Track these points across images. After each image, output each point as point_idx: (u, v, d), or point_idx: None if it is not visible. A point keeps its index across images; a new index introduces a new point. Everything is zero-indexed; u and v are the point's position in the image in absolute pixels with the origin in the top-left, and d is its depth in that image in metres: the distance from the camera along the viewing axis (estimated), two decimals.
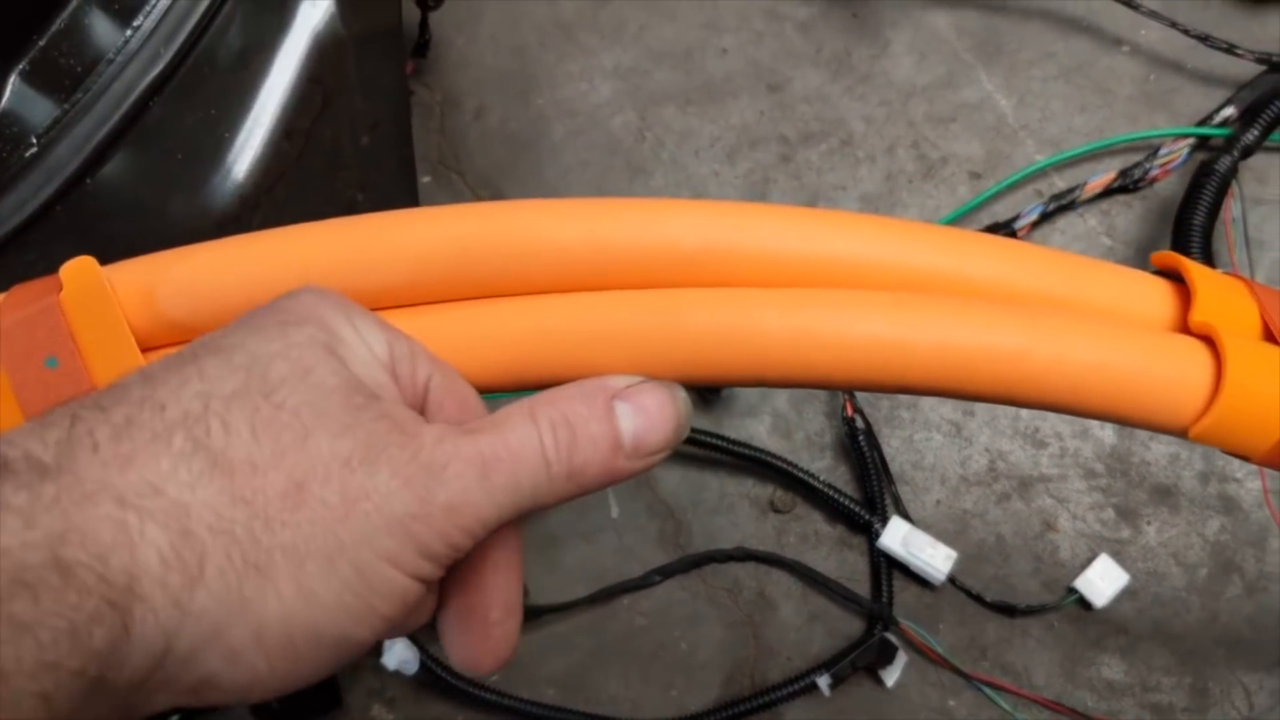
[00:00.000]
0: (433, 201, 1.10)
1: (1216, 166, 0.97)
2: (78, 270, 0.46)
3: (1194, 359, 0.41)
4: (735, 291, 0.42)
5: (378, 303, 0.45)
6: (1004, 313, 0.41)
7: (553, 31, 1.13)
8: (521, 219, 0.43)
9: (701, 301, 0.41)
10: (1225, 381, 0.40)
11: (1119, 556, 0.99)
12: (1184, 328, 0.44)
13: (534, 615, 1.02)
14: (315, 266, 0.44)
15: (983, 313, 0.41)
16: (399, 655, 0.97)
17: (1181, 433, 0.42)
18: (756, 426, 1.04)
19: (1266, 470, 0.96)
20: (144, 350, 0.47)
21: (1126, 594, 0.98)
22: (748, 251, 0.43)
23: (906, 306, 0.41)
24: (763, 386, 0.42)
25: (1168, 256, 0.46)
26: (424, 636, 0.99)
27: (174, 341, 0.47)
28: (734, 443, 1.02)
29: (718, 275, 0.43)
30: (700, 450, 1.03)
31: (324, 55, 0.74)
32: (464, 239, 0.43)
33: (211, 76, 0.73)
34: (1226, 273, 0.45)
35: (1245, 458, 0.43)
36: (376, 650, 0.98)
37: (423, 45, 1.09)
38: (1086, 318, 0.42)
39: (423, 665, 0.98)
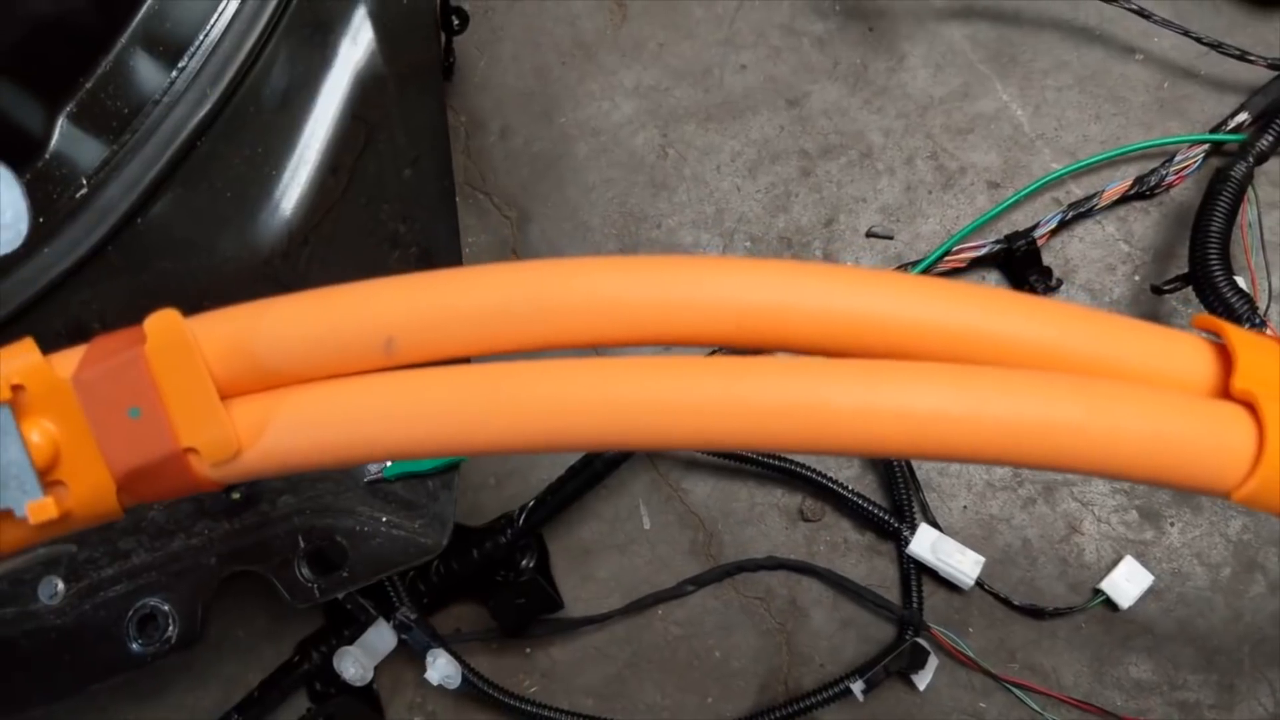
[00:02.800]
0: (462, 221, 1.11)
1: (1232, 173, 0.99)
2: (161, 323, 0.48)
3: (1237, 427, 0.43)
4: (803, 362, 0.44)
5: (448, 352, 0.47)
6: (1058, 386, 0.43)
7: (573, 51, 1.14)
8: (589, 277, 0.45)
9: (770, 372, 0.43)
10: (1267, 449, 0.42)
11: (1143, 558, 1.01)
12: (1225, 392, 0.46)
13: (570, 627, 1.04)
14: (396, 316, 0.46)
15: (1039, 386, 0.43)
16: (442, 670, 0.99)
17: (1226, 496, 0.44)
18: None
19: None
20: (223, 399, 0.49)
21: (1151, 594, 1.00)
22: (805, 311, 0.44)
23: (970, 381, 0.43)
24: (833, 454, 0.44)
25: (1209, 321, 0.48)
26: (460, 649, 1.01)
27: (254, 389, 0.49)
28: (761, 452, 1.04)
29: (771, 333, 0.44)
30: (729, 461, 1.05)
31: (366, 92, 0.76)
32: (533, 298, 0.45)
33: (257, 115, 0.75)
34: (1261, 333, 0.47)
35: None
36: (419, 666, 1.00)
37: (447, 68, 1.10)
38: (1135, 388, 0.44)
39: (464, 679, 1.00)
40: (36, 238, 0.73)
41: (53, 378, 0.49)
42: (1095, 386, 0.44)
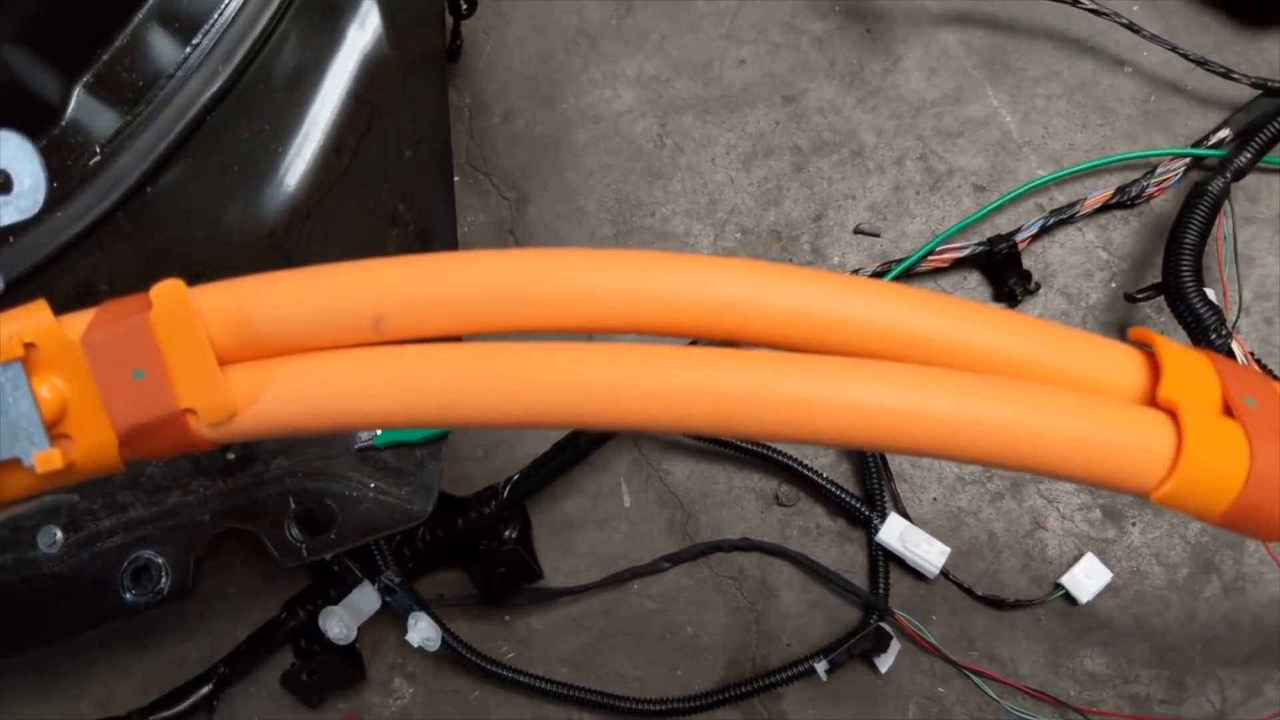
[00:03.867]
0: (461, 201, 1.15)
1: (1209, 187, 1.02)
2: (167, 292, 0.52)
3: (1159, 433, 0.47)
4: (764, 355, 0.47)
5: (434, 331, 0.50)
6: (996, 388, 0.47)
7: (578, 39, 1.17)
8: (567, 267, 0.48)
9: (733, 363, 0.47)
10: (1184, 455, 0.46)
11: (1104, 555, 1.04)
12: (1152, 401, 0.49)
13: (549, 598, 1.08)
14: (387, 296, 0.50)
15: (978, 387, 0.46)
16: (422, 633, 1.02)
17: (1146, 497, 0.47)
18: None
19: None
20: (222, 365, 0.52)
21: (1110, 591, 1.04)
22: (770, 309, 0.48)
23: (916, 380, 0.46)
24: (789, 442, 0.47)
25: (1143, 333, 0.51)
26: (441, 614, 1.05)
27: (251, 357, 0.53)
28: (741, 438, 1.07)
29: (738, 327, 0.48)
30: (710, 445, 1.08)
31: (372, 75, 0.79)
32: (513, 284, 0.48)
33: (266, 93, 0.78)
34: (1195, 348, 0.51)
35: (1202, 519, 0.48)
36: (401, 628, 1.04)
37: (454, 50, 1.13)
38: (1067, 393, 0.48)
39: (444, 642, 1.04)
40: (50, 202, 0.76)
41: (63, 338, 0.52)
42: (1030, 390, 0.47)
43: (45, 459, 0.52)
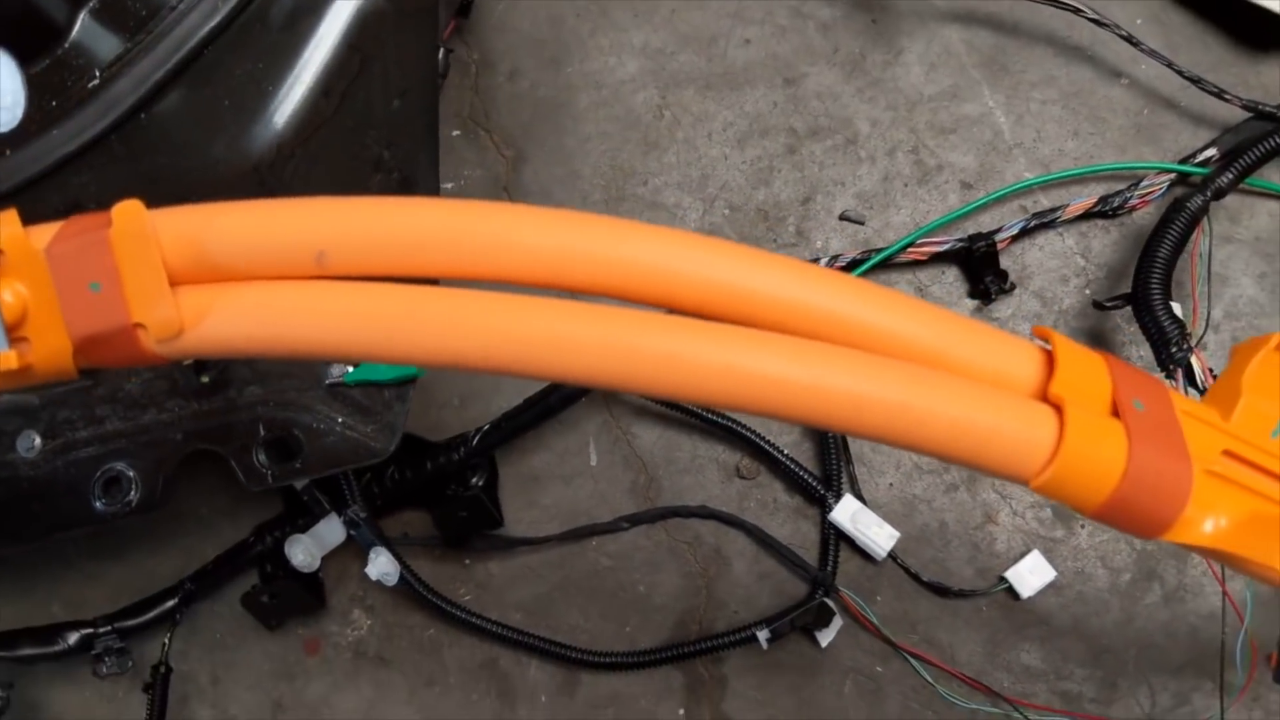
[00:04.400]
0: (460, 154, 1.18)
1: (1188, 204, 1.03)
2: (126, 212, 0.55)
3: (1043, 426, 0.50)
4: (670, 320, 0.50)
5: (372, 270, 0.53)
6: (893, 369, 0.49)
7: (589, 5, 1.20)
8: (504, 221, 0.51)
9: (647, 325, 0.50)
10: (1063, 448, 0.48)
11: (1050, 554, 1.07)
12: (1044, 395, 0.51)
13: (509, 546, 1.12)
14: (331, 233, 0.53)
15: (877, 368, 0.49)
16: (381, 567, 1.06)
17: (1025, 483, 0.50)
18: None
19: None
20: (173, 285, 0.55)
21: (1053, 589, 1.06)
22: (690, 277, 0.51)
23: (816, 355, 0.49)
24: (692, 403, 0.50)
25: (1044, 330, 0.54)
26: (404, 552, 1.09)
27: (201, 280, 0.56)
28: (710, 410, 1.10)
29: (659, 293, 0.51)
30: (678, 413, 1.11)
31: (365, 24, 0.82)
32: (451, 231, 0.51)
33: (262, 33, 0.81)
34: (1097, 350, 0.53)
35: (1079, 511, 0.51)
36: (364, 562, 1.07)
37: (466, 6, 1.16)
38: (959, 380, 0.50)
39: (402, 578, 1.07)
40: (48, 119, 0.80)
41: (29, 247, 0.56)
42: (923, 374, 0.50)
43: (3, 359, 0.56)
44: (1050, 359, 0.53)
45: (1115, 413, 0.51)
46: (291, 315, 0.53)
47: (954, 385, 0.50)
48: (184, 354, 0.56)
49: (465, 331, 0.50)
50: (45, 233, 0.56)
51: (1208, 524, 0.51)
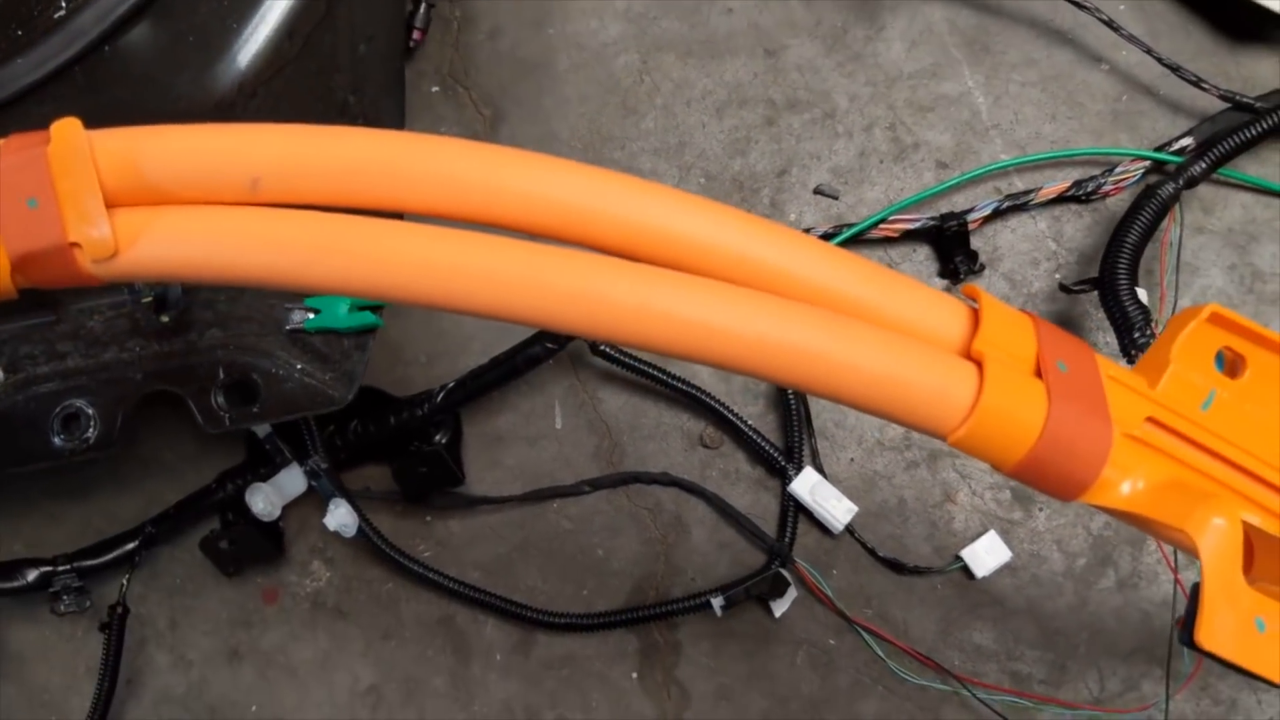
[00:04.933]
0: (437, 111, 1.18)
1: (1160, 191, 1.03)
2: (64, 129, 0.55)
3: (963, 381, 0.50)
4: (590, 258, 0.50)
5: (306, 199, 0.53)
6: (813, 317, 0.49)
7: None
8: (437, 154, 0.51)
9: (569, 261, 0.50)
10: (980, 404, 0.48)
11: (1007, 535, 1.07)
12: (967, 353, 0.51)
13: (470, 504, 1.12)
14: (266, 160, 0.53)
15: (796, 314, 0.49)
16: (339, 519, 1.06)
17: (943, 439, 0.50)
18: (700, 367, 1.11)
19: None
20: (109, 207, 0.55)
21: (1008, 570, 1.07)
22: (615, 218, 0.51)
23: (736, 299, 0.49)
24: (606, 341, 0.50)
25: (972, 289, 0.54)
26: (365, 506, 1.09)
27: (138, 202, 0.56)
28: (676, 378, 1.10)
29: (583, 232, 0.51)
30: (644, 380, 1.11)
31: None
32: (384, 162, 0.51)
33: None
34: (1023, 310, 0.53)
35: (997, 469, 0.51)
36: (320, 510, 1.08)
37: None
38: (881, 332, 0.50)
39: (360, 531, 1.07)
40: (12, 48, 0.80)
41: None
42: (843, 323, 0.50)
43: None
44: (976, 317, 0.53)
45: (1038, 373, 0.51)
46: (223, 240, 0.53)
47: (873, 335, 0.50)
48: (119, 275, 0.56)
49: (391, 261, 0.50)
50: None
51: (1124, 487, 0.51)
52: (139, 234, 0.55)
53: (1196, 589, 0.48)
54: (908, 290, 0.53)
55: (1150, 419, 0.53)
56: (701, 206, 0.53)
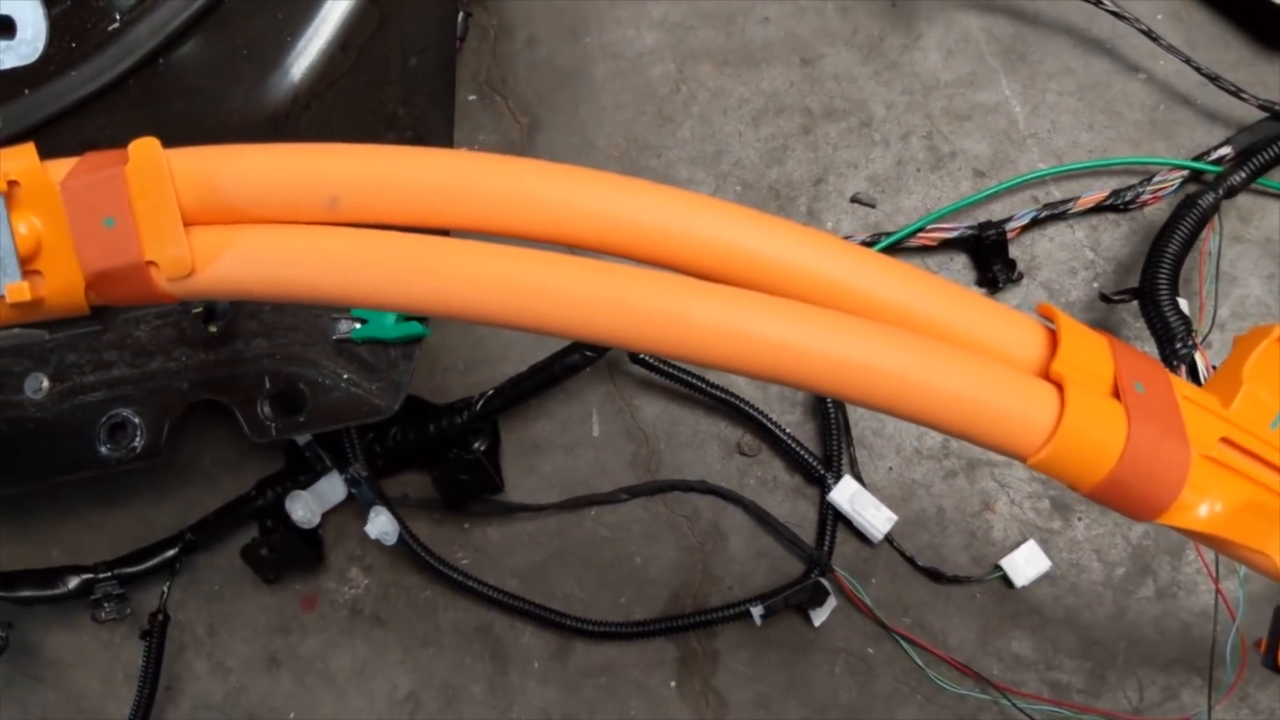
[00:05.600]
0: (475, 119, 1.18)
1: (1199, 201, 1.03)
2: (143, 149, 0.55)
3: (1043, 403, 0.50)
4: (673, 279, 0.50)
5: (383, 218, 0.53)
6: (895, 338, 0.49)
7: None
8: (515, 175, 0.51)
9: (648, 282, 0.50)
10: (1062, 426, 0.48)
11: (1046, 545, 1.07)
12: (1045, 373, 0.52)
13: (507, 511, 1.12)
14: (344, 179, 0.53)
15: (878, 335, 0.49)
16: (380, 527, 1.06)
17: (1023, 460, 0.50)
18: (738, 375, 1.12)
19: None
20: (187, 225, 0.56)
21: (1047, 579, 1.07)
22: (693, 238, 0.51)
23: (817, 320, 0.49)
24: (688, 362, 0.50)
25: (1048, 309, 0.54)
26: (403, 513, 1.09)
27: (214, 221, 0.56)
28: (714, 386, 1.10)
29: (662, 253, 0.51)
30: (682, 387, 1.11)
31: None
32: (463, 182, 0.51)
33: None
34: (1099, 330, 0.53)
35: (1074, 489, 0.51)
36: (363, 521, 1.08)
37: None
38: (961, 352, 0.51)
39: (400, 539, 1.08)
40: (67, 60, 0.80)
41: (45, 180, 0.56)
42: (925, 344, 0.50)
43: (16, 290, 0.56)
44: (1054, 337, 0.53)
45: (1116, 394, 0.52)
46: (302, 259, 0.53)
47: (955, 357, 0.50)
48: (195, 294, 0.56)
49: (472, 282, 0.51)
50: (61, 167, 0.57)
51: (1203, 509, 0.51)
52: (217, 253, 0.55)
53: (1279, 613, 0.48)
54: (985, 310, 0.54)
55: (1224, 439, 0.54)
56: (777, 226, 0.53)
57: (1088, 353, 0.52)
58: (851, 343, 0.49)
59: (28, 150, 0.57)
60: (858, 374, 0.49)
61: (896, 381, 0.49)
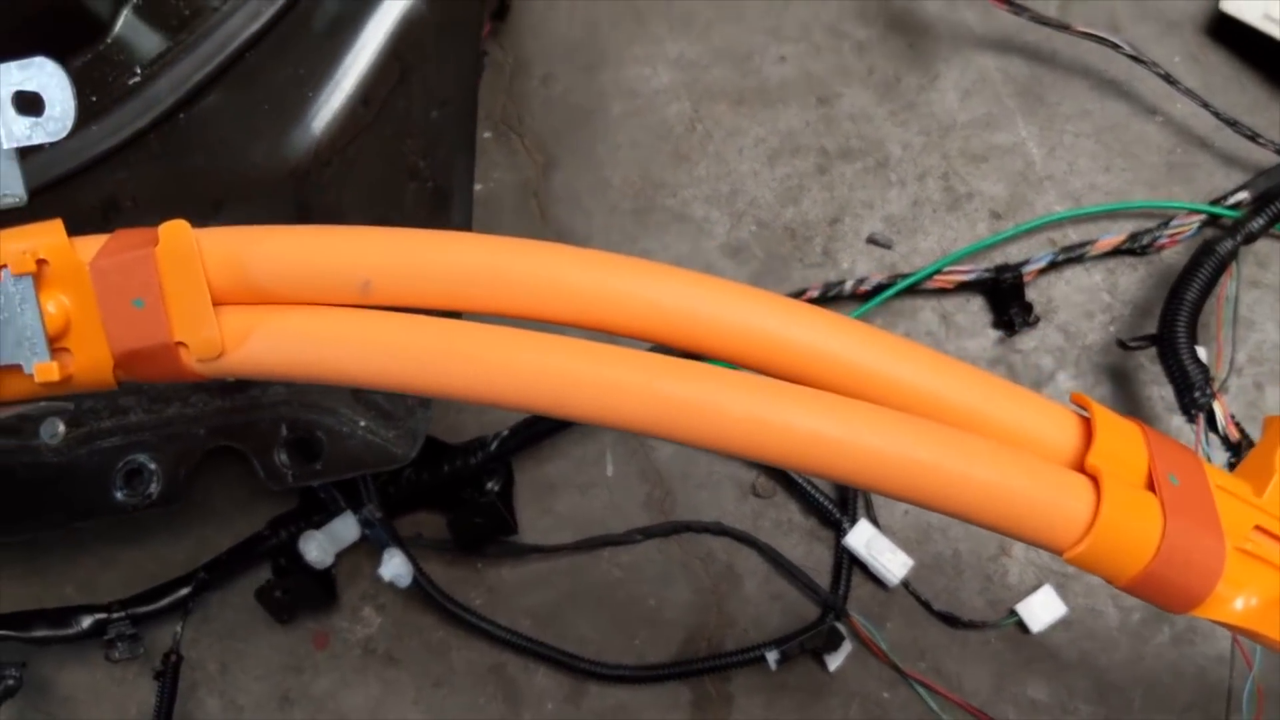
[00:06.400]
0: (491, 157, 1.18)
1: (1218, 247, 1.03)
2: (173, 231, 0.55)
3: (1079, 497, 0.50)
4: (704, 369, 0.50)
5: (416, 302, 0.53)
6: (928, 431, 0.49)
7: (626, 13, 1.19)
8: (548, 261, 0.51)
9: (682, 372, 0.50)
10: (1099, 521, 0.48)
11: (1062, 589, 1.07)
12: (1080, 465, 0.51)
13: (521, 552, 1.12)
14: (376, 263, 0.53)
15: (912, 428, 0.49)
16: (395, 569, 1.06)
17: (1059, 554, 0.50)
18: None
19: None
20: (216, 305, 0.56)
21: (1062, 624, 1.07)
22: (726, 326, 0.51)
23: (850, 412, 0.49)
24: (722, 454, 0.50)
25: (1081, 398, 0.54)
26: (416, 553, 1.09)
27: (244, 301, 0.56)
28: None
29: (695, 340, 0.51)
30: None
31: (408, 33, 0.82)
32: (496, 267, 0.51)
33: (305, 38, 0.81)
34: (1131, 419, 0.53)
35: (1110, 582, 0.51)
36: (376, 560, 1.08)
37: (503, 9, 1.16)
38: (995, 445, 0.50)
39: (415, 580, 1.07)
40: (87, 115, 0.80)
41: (73, 259, 0.56)
42: (959, 437, 0.50)
43: (44, 369, 0.56)
44: (1088, 426, 0.53)
45: (1150, 485, 0.51)
46: (335, 343, 0.53)
47: (990, 450, 0.50)
48: (224, 374, 0.56)
49: (507, 370, 0.50)
50: (90, 245, 0.57)
51: (1238, 602, 0.51)
52: (247, 334, 0.55)
53: None
54: (1020, 399, 0.53)
55: (1258, 527, 0.53)
56: (809, 314, 0.53)
57: (1122, 443, 0.52)
58: (886, 436, 0.49)
59: (55, 227, 0.57)
60: (892, 468, 0.49)
61: (933, 476, 0.49)
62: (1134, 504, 0.49)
